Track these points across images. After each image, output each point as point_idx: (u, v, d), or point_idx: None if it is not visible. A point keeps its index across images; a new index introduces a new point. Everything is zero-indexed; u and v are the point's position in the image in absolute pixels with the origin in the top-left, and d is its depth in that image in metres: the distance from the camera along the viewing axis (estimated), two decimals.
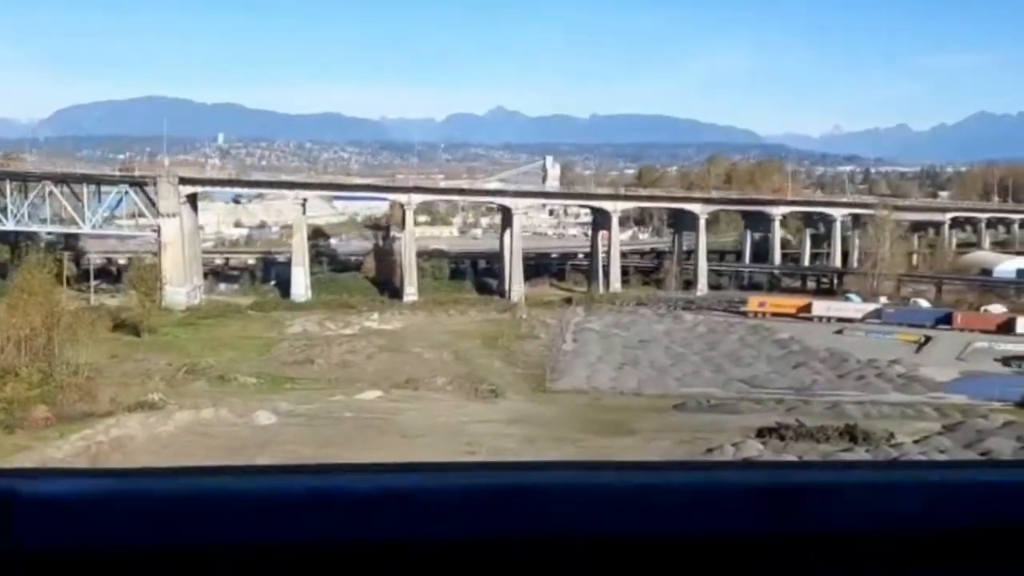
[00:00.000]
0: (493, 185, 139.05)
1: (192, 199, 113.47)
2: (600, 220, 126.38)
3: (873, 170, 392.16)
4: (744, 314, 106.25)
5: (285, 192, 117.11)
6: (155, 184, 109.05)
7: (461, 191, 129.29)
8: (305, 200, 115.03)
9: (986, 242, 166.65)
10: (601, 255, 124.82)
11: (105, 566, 1.23)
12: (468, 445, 55.26)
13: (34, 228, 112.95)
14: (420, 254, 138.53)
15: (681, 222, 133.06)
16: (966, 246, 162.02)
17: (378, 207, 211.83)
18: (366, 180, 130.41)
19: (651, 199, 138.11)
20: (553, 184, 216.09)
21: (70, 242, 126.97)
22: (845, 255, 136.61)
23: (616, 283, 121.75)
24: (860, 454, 52.75)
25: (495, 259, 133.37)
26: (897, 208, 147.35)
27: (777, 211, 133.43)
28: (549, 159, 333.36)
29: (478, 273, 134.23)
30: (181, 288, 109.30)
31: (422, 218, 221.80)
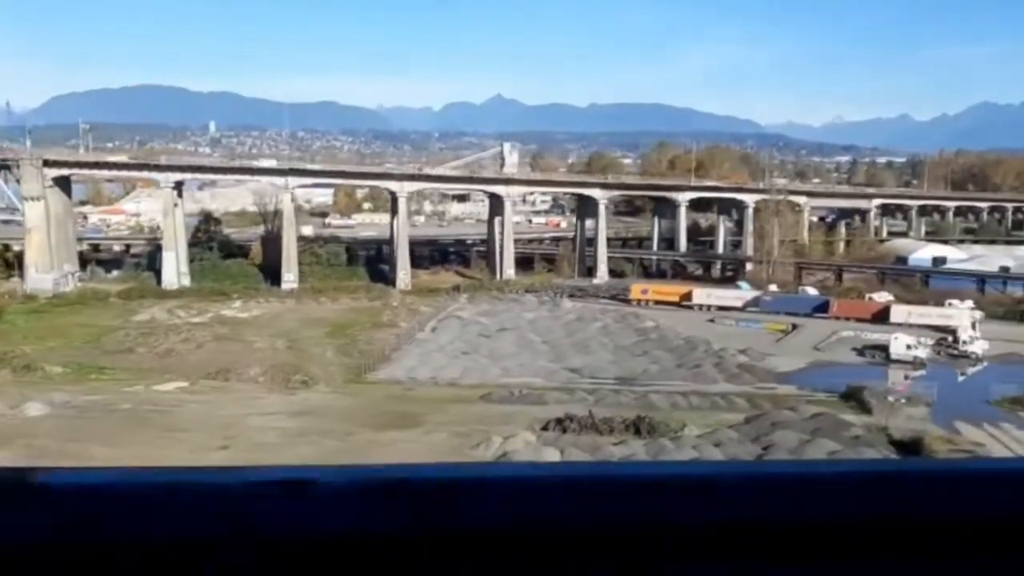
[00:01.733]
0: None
1: (62, 182, 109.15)
2: (496, 205, 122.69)
3: (868, 160, 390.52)
4: (628, 302, 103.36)
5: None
6: (18, 167, 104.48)
7: (343, 174, 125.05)
8: (180, 184, 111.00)
9: (922, 231, 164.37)
10: (497, 241, 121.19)
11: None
12: (226, 439, 51.88)
13: None
14: (315, 240, 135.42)
15: (585, 208, 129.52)
16: (898, 235, 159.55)
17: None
18: (265, 164, 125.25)
19: (547, 184, 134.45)
20: (511, 171, 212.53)
21: None
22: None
23: (509, 270, 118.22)
24: (634, 446, 49.72)
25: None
26: (813, 194, 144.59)
27: (682, 197, 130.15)
28: (507, 146, 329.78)
29: (377, 260, 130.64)
30: (47, 274, 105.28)
31: (367, 205, 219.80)
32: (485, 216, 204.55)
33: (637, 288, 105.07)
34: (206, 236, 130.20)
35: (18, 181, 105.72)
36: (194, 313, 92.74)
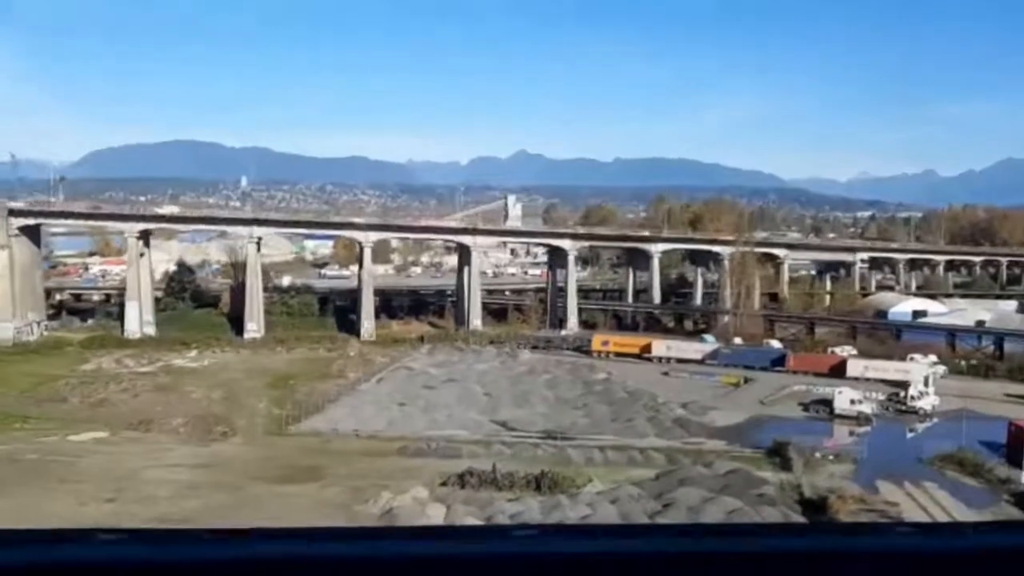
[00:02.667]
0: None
1: (31, 231, 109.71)
2: (464, 255, 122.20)
3: (890, 215, 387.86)
4: (590, 353, 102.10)
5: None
6: None
7: (308, 223, 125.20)
8: (147, 233, 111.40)
9: (912, 285, 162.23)
10: (465, 292, 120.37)
11: None
12: (117, 492, 50.92)
13: None
14: (286, 290, 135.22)
15: (557, 259, 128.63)
16: (887, 289, 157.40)
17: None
18: (217, 213, 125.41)
19: (513, 234, 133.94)
20: (514, 224, 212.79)
21: None
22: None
23: (476, 320, 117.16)
24: (529, 503, 48.22)
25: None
26: (793, 247, 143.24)
27: (655, 248, 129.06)
28: (511, 198, 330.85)
29: (351, 310, 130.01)
30: (8, 323, 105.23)
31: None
32: (486, 268, 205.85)
33: (598, 340, 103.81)
34: (179, 286, 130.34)
35: None
36: (144, 363, 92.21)
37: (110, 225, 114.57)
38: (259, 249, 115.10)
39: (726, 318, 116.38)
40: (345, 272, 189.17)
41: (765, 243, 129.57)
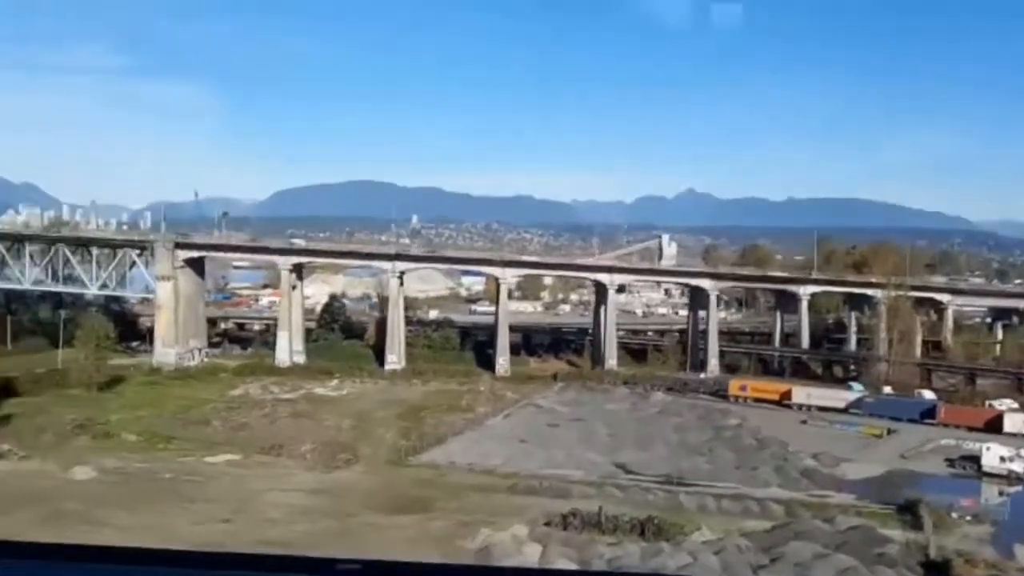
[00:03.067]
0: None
1: (196, 263, 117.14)
2: (601, 293, 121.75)
3: None
4: (726, 397, 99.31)
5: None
6: (152, 250, 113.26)
7: (446, 259, 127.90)
8: (300, 266, 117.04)
9: None
10: (602, 331, 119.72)
11: None
12: (235, 512, 53.29)
13: (45, 288, 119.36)
14: (429, 324, 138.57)
15: (698, 299, 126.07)
16: None
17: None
18: (363, 248, 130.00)
19: (652, 272, 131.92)
20: (669, 263, 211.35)
21: (112, 305, 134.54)
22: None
23: (612, 360, 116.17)
24: (629, 548, 47.17)
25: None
26: (958, 292, 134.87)
27: (804, 290, 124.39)
28: (665, 237, 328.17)
29: (489, 345, 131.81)
30: (171, 349, 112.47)
31: (517, 293, 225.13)
32: (636, 307, 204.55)
33: (735, 384, 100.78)
34: (330, 318, 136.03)
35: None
36: (287, 390, 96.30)
37: (267, 258, 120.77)
38: (402, 283, 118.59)
39: (881, 366, 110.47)
40: (492, 308, 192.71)
41: (923, 287, 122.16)
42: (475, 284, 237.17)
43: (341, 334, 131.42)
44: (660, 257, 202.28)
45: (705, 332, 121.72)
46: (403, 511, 54.25)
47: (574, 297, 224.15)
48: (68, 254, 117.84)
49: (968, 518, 55.96)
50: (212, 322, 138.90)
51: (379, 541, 47.21)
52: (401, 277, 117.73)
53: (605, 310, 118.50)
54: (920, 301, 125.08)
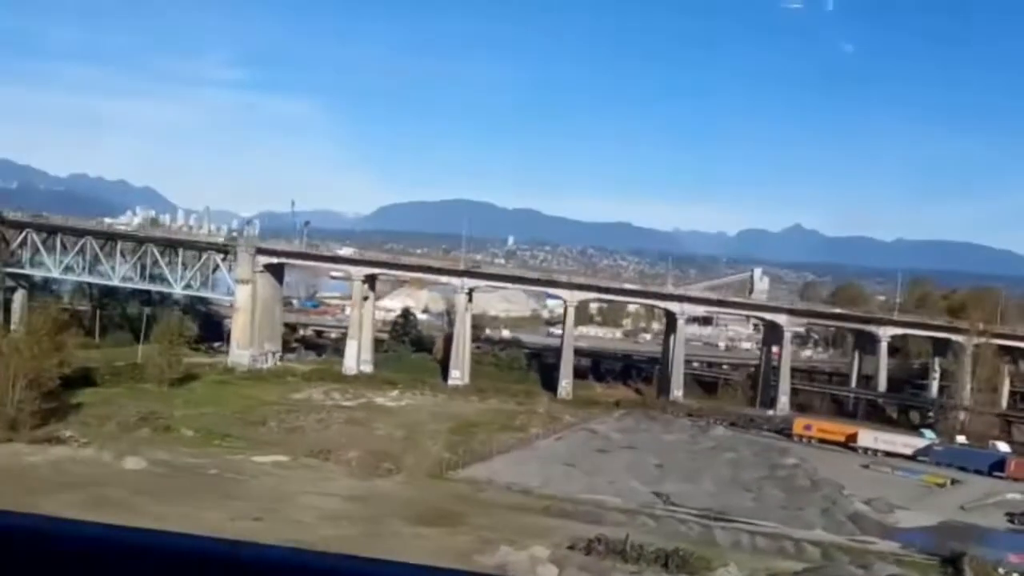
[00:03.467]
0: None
1: (275, 269, 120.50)
2: (671, 323, 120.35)
3: None
4: (790, 436, 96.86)
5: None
6: (234, 254, 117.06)
7: (515, 278, 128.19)
8: (372, 277, 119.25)
9: None
10: (671, 361, 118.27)
11: None
12: (267, 511, 54.48)
13: (131, 285, 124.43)
14: (497, 342, 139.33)
15: (772, 335, 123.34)
16: None
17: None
18: (433, 263, 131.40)
19: (722, 304, 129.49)
20: (760, 297, 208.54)
21: (198, 306, 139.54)
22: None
23: (678, 391, 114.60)
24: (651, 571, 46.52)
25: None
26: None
27: (883, 331, 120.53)
28: (757, 271, 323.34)
29: (555, 368, 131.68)
30: (246, 351, 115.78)
31: (598, 318, 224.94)
32: (720, 340, 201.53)
33: (800, 423, 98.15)
34: (402, 330, 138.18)
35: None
36: (348, 397, 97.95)
37: (341, 268, 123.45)
38: (471, 299, 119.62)
39: (958, 414, 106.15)
40: (555, 331, 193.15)
41: (1010, 335, 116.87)
42: (558, 307, 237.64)
43: (411, 347, 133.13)
44: (751, 291, 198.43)
45: (777, 368, 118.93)
46: (431, 523, 54.58)
47: (656, 326, 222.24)
48: (156, 254, 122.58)
49: (1016, 574, 53.28)
50: (293, 328, 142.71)
51: (398, 550, 47.52)
52: (470, 294, 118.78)
53: (674, 340, 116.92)
54: (1008, 350, 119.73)
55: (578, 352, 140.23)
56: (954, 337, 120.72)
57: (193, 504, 54.35)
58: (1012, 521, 67.35)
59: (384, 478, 66.62)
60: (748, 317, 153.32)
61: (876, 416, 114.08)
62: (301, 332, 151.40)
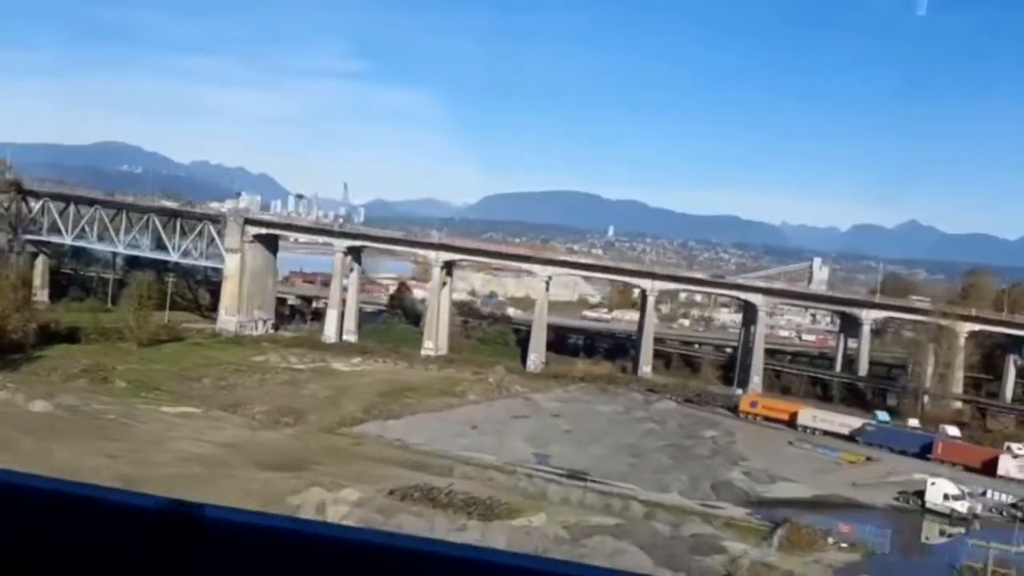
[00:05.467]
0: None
1: (269, 241, 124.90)
2: (643, 303, 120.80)
3: None
4: (734, 411, 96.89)
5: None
6: (224, 224, 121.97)
7: (487, 252, 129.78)
8: (355, 249, 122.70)
9: None
10: (643, 339, 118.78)
11: None
12: (129, 452, 58.01)
13: (134, 252, 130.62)
14: (486, 317, 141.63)
15: (749, 315, 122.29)
16: None
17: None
18: (410, 236, 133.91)
19: (702, 284, 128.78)
20: (820, 288, 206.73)
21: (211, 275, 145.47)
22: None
23: (646, 367, 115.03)
24: (436, 522, 48.48)
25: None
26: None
27: (867, 315, 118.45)
28: (817, 261, 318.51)
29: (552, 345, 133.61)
30: (233, 317, 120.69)
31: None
32: (730, 321, 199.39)
33: (746, 401, 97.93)
34: (398, 304, 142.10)
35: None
36: (307, 361, 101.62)
37: (325, 240, 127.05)
38: (450, 273, 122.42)
39: (926, 399, 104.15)
40: (606, 316, 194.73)
41: (980, 319, 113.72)
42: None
43: (405, 319, 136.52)
44: (809, 281, 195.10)
45: (750, 350, 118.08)
46: (277, 469, 57.25)
47: (696, 312, 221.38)
48: (158, 223, 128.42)
49: (843, 544, 53.13)
50: (308, 300, 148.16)
51: (219, 489, 50.41)
52: (449, 268, 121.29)
53: (643, 319, 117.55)
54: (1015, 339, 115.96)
55: (568, 329, 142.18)
56: (924, 320, 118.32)
57: (64, 443, 58.26)
58: (898, 499, 66.52)
59: (274, 430, 69.73)
60: (731, 300, 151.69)
61: (854, 399, 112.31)
62: (314, 304, 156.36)
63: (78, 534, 1.84)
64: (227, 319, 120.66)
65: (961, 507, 62.64)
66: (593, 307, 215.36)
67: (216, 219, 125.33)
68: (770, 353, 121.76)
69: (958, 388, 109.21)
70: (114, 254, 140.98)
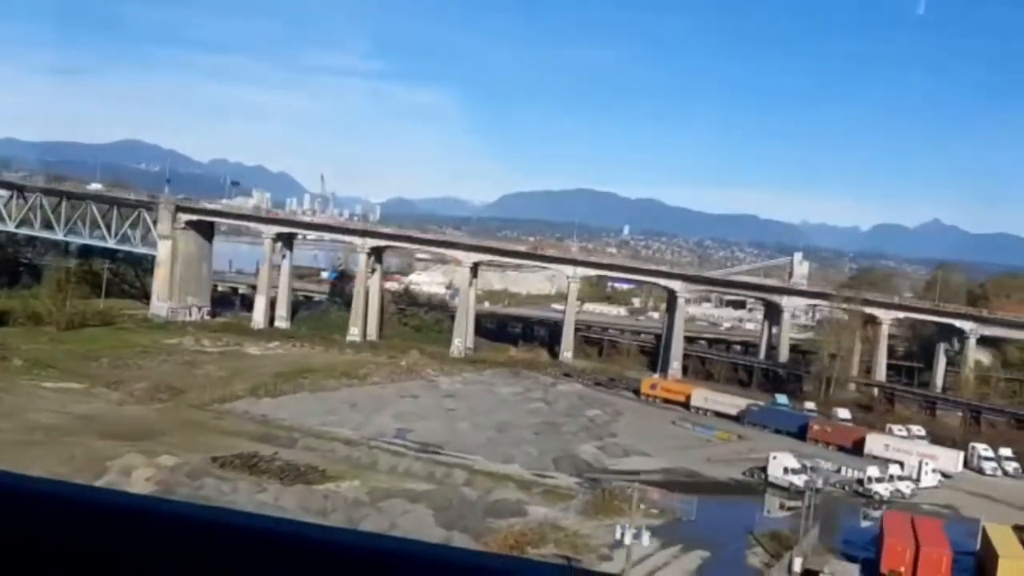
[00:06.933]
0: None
1: (203, 228, 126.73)
2: (571, 293, 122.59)
3: None
4: (638, 394, 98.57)
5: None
6: (156, 210, 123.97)
7: (411, 237, 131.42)
8: (284, 235, 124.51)
9: None
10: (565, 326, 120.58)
11: None
12: None
13: (74, 239, 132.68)
14: (423, 305, 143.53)
15: (671, 303, 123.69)
16: None
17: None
18: (335, 223, 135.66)
19: (623, 270, 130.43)
20: (800, 283, 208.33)
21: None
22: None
23: (567, 352, 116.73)
24: (240, 486, 50.28)
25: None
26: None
27: (787, 302, 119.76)
28: (797, 256, 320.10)
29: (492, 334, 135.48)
30: (164, 303, 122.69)
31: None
32: (715, 317, 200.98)
33: (647, 383, 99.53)
34: (340, 290, 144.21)
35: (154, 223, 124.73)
36: (220, 345, 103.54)
37: (253, 225, 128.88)
38: (379, 260, 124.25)
39: (828, 385, 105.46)
40: (559, 307, 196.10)
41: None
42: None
43: (346, 308, 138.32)
44: (790, 276, 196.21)
45: (671, 336, 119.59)
46: (123, 439, 59.13)
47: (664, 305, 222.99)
48: (95, 211, 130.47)
49: (654, 510, 54.71)
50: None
51: (42, 454, 52.35)
52: (377, 255, 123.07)
53: (566, 307, 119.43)
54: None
55: (510, 317, 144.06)
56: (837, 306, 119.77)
57: None
58: (745, 474, 68.03)
59: (145, 405, 71.53)
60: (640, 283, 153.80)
61: (773, 384, 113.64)
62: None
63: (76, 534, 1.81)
64: (159, 305, 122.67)
65: (798, 480, 63.97)
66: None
67: (150, 206, 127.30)
68: (712, 343, 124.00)
69: (881, 374, 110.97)
70: (66, 243, 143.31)
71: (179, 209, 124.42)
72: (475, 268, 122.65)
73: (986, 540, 48.54)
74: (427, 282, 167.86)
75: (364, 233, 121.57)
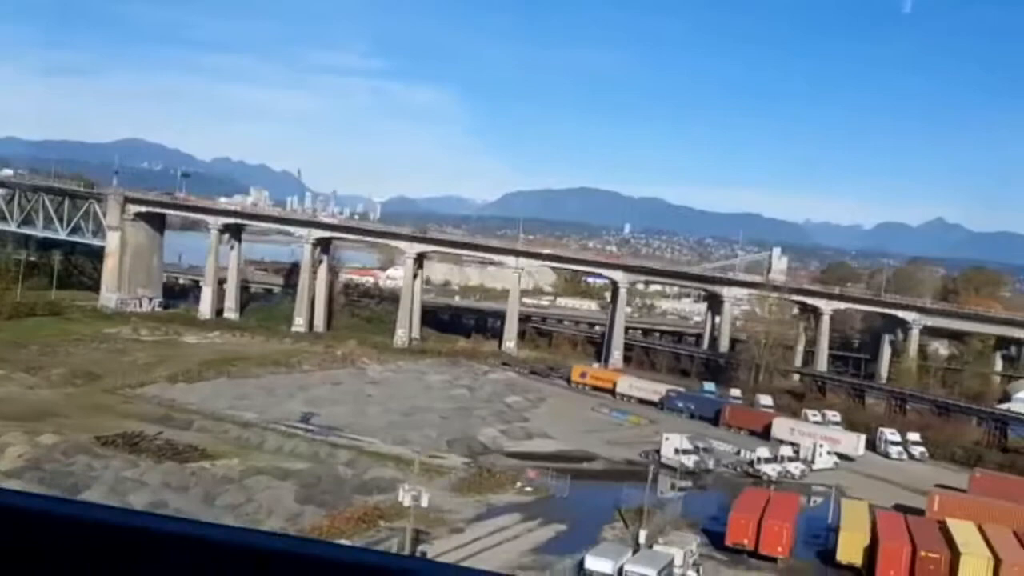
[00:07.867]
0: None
1: (154, 220, 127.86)
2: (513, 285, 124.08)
3: None
4: (569, 382, 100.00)
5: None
6: (104, 201, 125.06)
7: (357, 229, 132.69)
8: (232, 227, 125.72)
9: None
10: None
11: None
12: None
13: (25, 231, 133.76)
14: (372, 296, 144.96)
15: (614, 295, 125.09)
16: None
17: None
18: (281, 214, 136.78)
19: (568, 261, 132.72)
20: (778, 278, 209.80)
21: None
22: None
23: (510, 343, 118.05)
24: (112, 464, 51.51)
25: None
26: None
27: (728, 292, 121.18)
28: (776, 251, 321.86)
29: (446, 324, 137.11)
30: (113, 294, 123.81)
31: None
32: (688, 311, 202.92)
33: (577, 371, 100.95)
34: (289, 283, 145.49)
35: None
36: (159, 334, 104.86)
37: (199, 217, 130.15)
38: (327, 252, 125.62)
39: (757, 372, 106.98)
40: (543, 302, 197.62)
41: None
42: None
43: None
44: (768, 270, 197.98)
45: (612, 326, 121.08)
46: (23, 420, 60.27)
47: (638, 301, 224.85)
48: (47, 203, 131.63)
49: (528, 488, 56.06)
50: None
51: None
52: (326, 246, 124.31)
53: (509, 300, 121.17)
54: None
55: (461, 309, 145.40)
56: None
57: None
58: (641, 455, 69.31)
59: (56, 389, 72.70)
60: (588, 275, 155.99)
61: (712, 374, 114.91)
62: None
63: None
64: (108, 295, 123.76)
65: (688, 461, 65.41)
66: (545, 294, 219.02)
67: (100, 198, 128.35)
68: (665, 335, 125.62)
69: (823, 363, 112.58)
70: (26, 236, 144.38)
71: (128, 201, 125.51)
72: (419, 259, 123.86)
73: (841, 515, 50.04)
74: (401, 276, 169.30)
75: (307, 224, 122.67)
